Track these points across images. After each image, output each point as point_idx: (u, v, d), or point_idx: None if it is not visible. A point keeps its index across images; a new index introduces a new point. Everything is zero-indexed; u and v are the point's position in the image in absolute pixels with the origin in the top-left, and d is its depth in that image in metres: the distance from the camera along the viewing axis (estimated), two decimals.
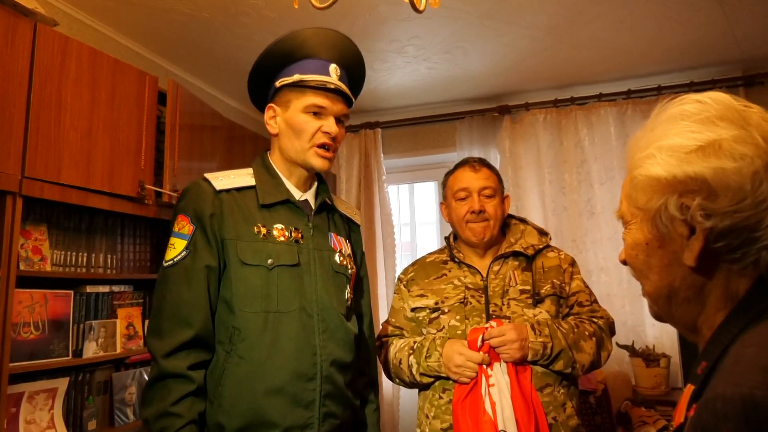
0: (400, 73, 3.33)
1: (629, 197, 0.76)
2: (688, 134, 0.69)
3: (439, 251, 1.85)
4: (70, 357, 1.96)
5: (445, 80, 3.47)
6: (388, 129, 3.98)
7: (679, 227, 0.70)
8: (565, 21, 2.74)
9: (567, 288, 1.71)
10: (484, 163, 1.80)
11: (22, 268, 1.81)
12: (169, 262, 1.32)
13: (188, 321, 1.28)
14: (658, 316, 0.80)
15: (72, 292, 2.02)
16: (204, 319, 1.30)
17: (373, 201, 3.86)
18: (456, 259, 1.75)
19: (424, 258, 1.86)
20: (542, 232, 1.80)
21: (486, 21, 2.73)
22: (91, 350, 2.04)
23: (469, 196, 1.72)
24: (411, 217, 4.23)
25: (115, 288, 2.23)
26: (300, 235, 1.41)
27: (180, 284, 1.30)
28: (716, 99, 0.71)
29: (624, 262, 0.81)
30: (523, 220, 1.84)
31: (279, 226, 1.39)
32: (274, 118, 1.44)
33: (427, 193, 4.26)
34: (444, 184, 1.85)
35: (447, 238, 1.85)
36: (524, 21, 2.73)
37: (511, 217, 1.85)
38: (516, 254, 1.72)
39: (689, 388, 0.69)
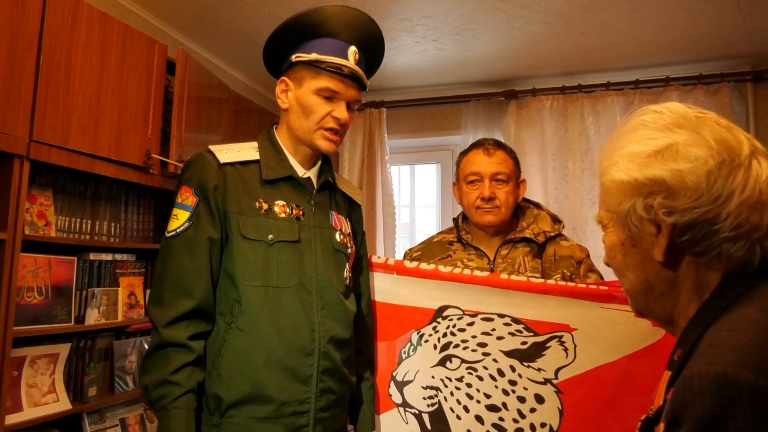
0: (408, 52, 3.30)
1: (603, 203, 0.84)
2: (646, 141, 0.77)
3: (448, 231, 1.81)
4: (73, 323, 1.97)
5: (453, 62, 3.44)
6: (393, 109, 3.95)
7: (647, 226, 0.77)
8: (579, 6, 2.71)
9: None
10: (499, 145, 1.73)
11: (26, 232, 1.80)
12: (172, 233, 1.32)
13: (189, 291, 1.28)
14: (639, 312, 0.87)
15: (75, 258, 2.01)
16: (205, 290, 1.30)
17: (376, 181, 3.84)
18: (463, 241, 1.71)
19: (431, 237, 1.82)
20: (556, 219, 1.74)
21: (499, 3, 2.70)
22: (93, 317, 2.04)
23: (480, 181, 1.66)
24: (411, 199, 4.22)
25: (118, 256, 2.23)
26: (301, 212, 1.41)
27: (182, 255, 1.30)
28: (672, 109, 0.79)
29: (608, 264, 0.88)
30: (537, 205, 1.78)
31: (280, 202, 1.38)
32: (285, 93, 1.42)
33: (429, 175, 4.23)
34: (457, 165, 1.79)
35: (455, 219, 1.80)
36: (538, 5, 2.70)
37: (524, 200, 1.79)
38: (527, 240, 1.67)
39: (666, 374, 0.76)
